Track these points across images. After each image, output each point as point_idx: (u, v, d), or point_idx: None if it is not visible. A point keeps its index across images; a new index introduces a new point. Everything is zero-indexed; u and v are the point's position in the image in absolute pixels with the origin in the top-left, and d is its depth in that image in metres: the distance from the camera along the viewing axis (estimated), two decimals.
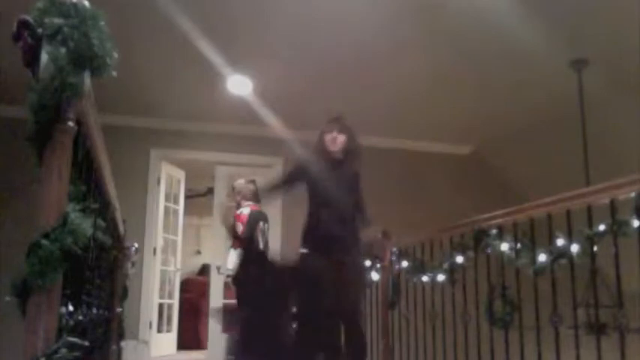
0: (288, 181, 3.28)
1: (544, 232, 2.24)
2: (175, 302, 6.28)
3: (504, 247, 2.44)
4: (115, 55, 1.21)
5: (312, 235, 2.97)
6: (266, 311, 3.06)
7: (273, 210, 5.40)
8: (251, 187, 4.61)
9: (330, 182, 3.00)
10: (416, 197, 5.97)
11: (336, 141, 3.05)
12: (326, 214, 2.94)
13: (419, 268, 3.12)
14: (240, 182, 4.79)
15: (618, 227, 1.90)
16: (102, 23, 1.18)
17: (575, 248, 2.09)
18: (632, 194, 1.80)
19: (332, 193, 2.98)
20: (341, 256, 2.90)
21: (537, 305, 2.21)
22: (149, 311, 5.53)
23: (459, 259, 2.73)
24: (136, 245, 3.78)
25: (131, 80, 4.60)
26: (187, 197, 7.02)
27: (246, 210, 4.51)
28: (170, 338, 6.13)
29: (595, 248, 2.03)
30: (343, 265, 2.89)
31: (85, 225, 1.14)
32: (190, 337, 6.78)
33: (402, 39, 4.07)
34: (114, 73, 1.22)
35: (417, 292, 3.17)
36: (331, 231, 2.92)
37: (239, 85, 4.79)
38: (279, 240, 5.58)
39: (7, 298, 1.06)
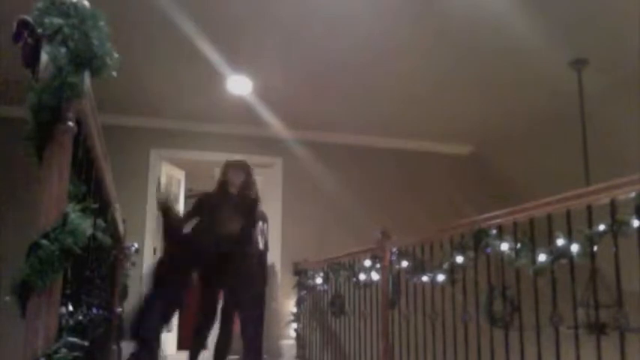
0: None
1: (544, 232, 2.24)
2: None
3: (504, 247, 2.44)
4: (115, 55, 1.21)
5: None
6: None
7: (274, 210, 5.40)
8: None
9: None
10: (416, 197, 5.97)
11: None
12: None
13: (419, 268, 3.11)
14: None
15: (618, 227, 1.90)
16: (102, 23, 1.18)
17: (575, 248, 2.08)
18: (632, 194, 1.80)
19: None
20: None
21: (537, 305, 2.21)
22: None
23: (459, 259, 2.72)
24: (136, 245, 3.78)
25: (131, 80, 4.60)
26: (187, 197, 7.01)
27: None
28: (170, 338, 6.12)
29: (595, 248, 2.02)
30: None
31: (85, 225, 1.14)
32: (190, 337, 6.76)
33: (402, 39, 4.07)
34: (114, 73, 1.22)
35: (417, 292, 3.17)
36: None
37: (239, 85, 4.79)
38: (280, 240, 5.59)
39: (7, 298, 1.06)
